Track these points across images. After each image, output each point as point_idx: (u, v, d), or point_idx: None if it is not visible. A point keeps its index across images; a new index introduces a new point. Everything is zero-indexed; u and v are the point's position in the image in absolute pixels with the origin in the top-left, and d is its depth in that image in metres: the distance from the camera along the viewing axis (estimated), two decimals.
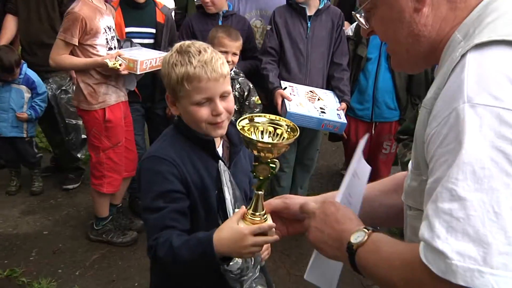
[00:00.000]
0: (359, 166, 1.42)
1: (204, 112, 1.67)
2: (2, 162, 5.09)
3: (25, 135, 4.68)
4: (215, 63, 1.66)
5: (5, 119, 4.57)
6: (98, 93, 3.65)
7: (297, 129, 1.48)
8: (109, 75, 3.66)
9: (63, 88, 4.73)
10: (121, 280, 3.63)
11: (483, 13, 1.08)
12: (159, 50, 3.97)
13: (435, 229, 0.92)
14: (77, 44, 3.51)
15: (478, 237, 0.89)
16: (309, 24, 3.87)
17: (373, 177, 1.60)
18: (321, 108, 3.76)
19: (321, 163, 5.53)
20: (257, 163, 1.48)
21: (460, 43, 1.07)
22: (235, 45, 3.62)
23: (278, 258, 3.86)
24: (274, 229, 1.51)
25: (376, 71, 3.92)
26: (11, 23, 4.61)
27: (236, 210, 1.57)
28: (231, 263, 1.53)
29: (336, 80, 3.96)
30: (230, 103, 1.73)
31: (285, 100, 3.71)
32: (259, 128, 1.48)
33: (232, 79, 3.71)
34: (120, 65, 3.53)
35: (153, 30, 4.09)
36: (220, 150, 1.79)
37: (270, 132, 1.48)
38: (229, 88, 1.73)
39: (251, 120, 1.49)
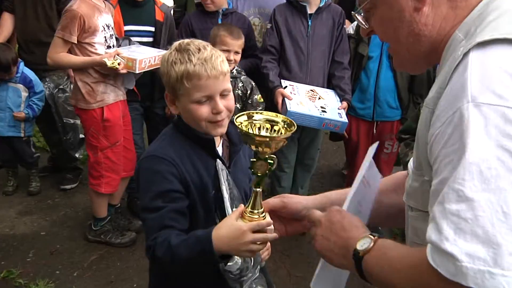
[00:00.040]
0: (369, 173, 1.41)
1: (204, 110, 1.67)
2: None
3: (22, 135, 4.68)
4: (215, 61, 1.67)
5: (2, 118, 4.56)
6: (96, 92, 3.66)
7: (294, 124, 1.50)
8: (107, 74, 3.66)
9: (61, 87, 4.72)
10: (119, 281, 3.64)
11: (484, 12, 1.08)
12: (158, 48, 3.97)
13: (443, 231, 0.92)
14: (75, 42, 3.52)
15: (488, 238, 0.88)
16: (309, 22, 3.87)
17: None
18: (322, 107, 3.76)
19: (322, 163, 5.54)
20: (255, 160, 1.49)
21: (462, 42, 1.07)
22: (237, 43, 3.63)
23: (279, 259, 3.86)
24: (272, 226, 1.52)
25: (377, 69, 3.92)
26: (7, 21, 4.61)
27: (234, 209, 1.58)
28: (230, 264, 1.53)
29: (337, 79, 3.96)
30: (230, 101, 1.73)
31: (286, 99, 3.71)
32: (256, 125, 1.49)
33: (235, 77, 3.72)
34: (118, 64, 3.53)
35: (152, 29, 4.10)
36: (220, 150, 1.79)
37: (267, 128, 1.49)
38: (229, 86, 1.73)
39: (249, 117, 1.50)
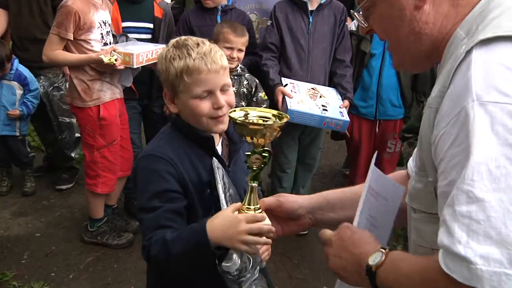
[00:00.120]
0: (378, 185, 1.40)
1: (205, 105, 1.68)
2: None
3: (17, 134, 4.68)
4: (215, 55, 1.68)
5: None
6: (92, 90, 3.66)
7: (286, 116, 1.53)
8: (103, 71, 3.66)
9: (56, 85, 4.73)
10: (116, 284, 3.64)
11: (485, 9, 1.09)
12: None
13: (455, 234, 0.92)
14: (71, 39, 3.52)
15: (501, 239, 0.88)
16: (310, 19, 3.88)
17: None
18: (323, 105, 3.77)
19: (323, 162, 5.54)
20: (250, 153, 1.52)
21: (463, 40, 1.07)
22: (241, 41, 3.63)
23: (279, 261, 3.87)
24: (268, 221, 1.53)
25: (380, 67, 3.93)
26: (1, 17, 4.59)
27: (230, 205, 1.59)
28: (228, 264, 1.54)
29: (339, 77, 3.96)
30: (231, 96, 1.74)
31: (286, 97, 3.72)
32: (250, 120, 1.53)
33: (239, 75, 3.74)
34: (115, 60, 3.53)
35: (151, 25, 4.10)
36: (219, 148, 1.79)
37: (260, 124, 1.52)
38: (229, 80, 1.74)
39: (245, 115, 1.54)
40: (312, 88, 3.87)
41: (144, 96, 4.21)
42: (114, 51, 3.57)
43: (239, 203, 1.56)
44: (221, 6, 4.01)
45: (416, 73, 3.89)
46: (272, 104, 3.80)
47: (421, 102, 3.92)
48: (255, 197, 1.55)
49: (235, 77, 3.74)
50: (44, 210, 4.60)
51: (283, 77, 3.88)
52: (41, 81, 4.68)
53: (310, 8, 3.86)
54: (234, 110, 1.56)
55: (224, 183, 1.62)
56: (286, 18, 3.89)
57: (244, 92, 3.76)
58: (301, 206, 1.61)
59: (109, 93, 3.73)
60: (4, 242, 4.08)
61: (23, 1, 4.53)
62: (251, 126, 1.47)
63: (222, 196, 1.59)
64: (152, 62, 3.68)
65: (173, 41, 1.75)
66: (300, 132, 4.09)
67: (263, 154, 1.52)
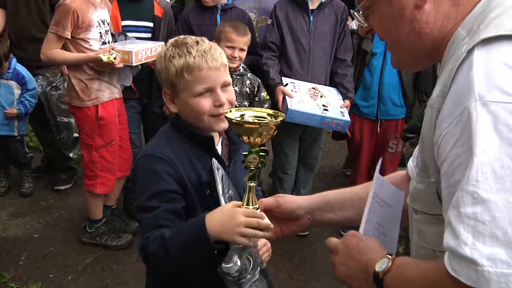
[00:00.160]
0: (382, 192, 1.40)
1: (206, 103, 1.68)
2: None
3: (16, 134, 4.68)
4: (214, 52, 1.69)
5: None
6: (91, 89, 3.66)
7: (282, 114, 1.55)
8: (102, 70, 3.66)
9: (54, 84, 4.74)
10: (115, 285, 3.63)
11: (486, 8, 1.09)
12: None
13: (461, 236, 0.92)
14: (69, 37, 3.52)
15: (508, 239, 0.88)
16: (311, 18, 3.88)
17: None
18: (323, 105, 3.77)
19: (324, 163, 5.54)
20: (247, 153, 1.53)
21: (464, 40, 1.07)
22: (243, 40, 3.63)
23: (279, 262, 3.87)
24: (267, 219, 1.54)
25: (381, 66, 3.93)
26: None
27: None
28: (228, 265, 1.54)
29: (340, 76, 3.97)
30: (231, 94, 1.75)
31: (287, 97, 3.72)
32: (246, 120, 1.54)
33: (242, 75, 3.74)
34: (114, 58, 3.53)
35: (151, 24, 4.10)
36: (219, 148, 1.79)
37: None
38: (230, 78, 1.75)
39: (241, 115, 1.55)
40: (313, 88, 3.87)
41: (144, 95, 4.21)
42: (112, 49, 3.57)
43: (239, 202, 1.57)
44: (221, 5, 4.01)
45: (417, 72, 3.89)
46: (273, 103, 3.80)
47: (423, 101, 3.92)
48: (254, 197, 1.56)
49: (238, 77, 3.74)
50: (42, 211, 4.61)
51: (284, 76, 3.88)
52: (39, 80, 4.68)
53: (310, 7, 3.87)
54: (230, 111, 1.57)
55: (223, 184, 1.63)
56: (287, 17, 3.89)
57: (246, 91, 3.76)
58: (300, 207, 1.62)
59: (107, 93, 3.74)
60: (1, 243, 4.08)
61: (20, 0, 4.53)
62: (246, 125, 1.48)
63: (221, 197, 1.59)
64: (151, 59, 3.68)
65: (171, 40, 1.76)
66: (301, 132, 4.09)
67: (260, 153, 1.53)
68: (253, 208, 1.55)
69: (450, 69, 1.06)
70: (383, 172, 1.55)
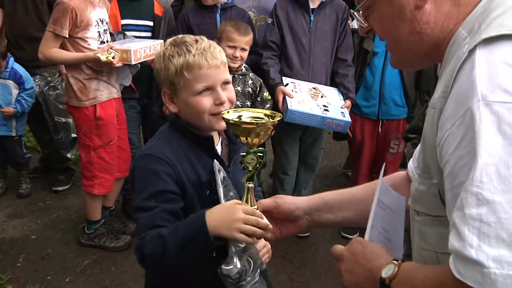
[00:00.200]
0: (386, 197, 1.40)
1: (206, 102, 1.68)
2: None
3: (14, 134, 4.68)
4: (214, 50, 1.70)
5: None
6: (89, 89, 3.66)
7: (279, 115, 1.56)
8: (100, 70, 3.66)
9: (52, 84, 4.73)
10: (114, 287, 3.63)
11: (487, 8, 1.09)
12: None
13: (466, 237, 0.92)
14: (67, 36, 3.52)
15: None
16: (312, 18, 3.88)
17: None
18: (324, 105, 3.77)
19: (325, 163, 5.54)
20: (245, 154, 1.54)
21: (465, 39, 1.08)
22: (244, 40, 3.63)
23: (279, 264, 3.87)
24: (265, 219, 1.55)
25: (383, 65, 3.92)
26: None
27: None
28: (229, 268, 1.54)
29: (341, 76, 3.97)
30: (232, 92, 1.75)
31: (287, 97, 3.72)
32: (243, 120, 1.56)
33: (244, 75, 3.74)
34: (113, 57, 3.53)
35: (151, 23, 4.10)
36: (219, 148, 1.79)
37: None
38: (229, 76, 1.75)
39: (239, 116, 1.56)
40: (314, 88, 3.87)
41: (143, 95, 4.21)
42: (111, 48, 3.57)
43: (240, 201, 1.58)
44: (221, 4, 4.01)
45: (419, 72, 3.89)
46: (274, 103, 3.80)
47: (425, 101, 3.92)
48: (252, 198, 1.57)
49: (240, 77, 3.74)
50: (40, 212, 4.60)
51: (284, 76, 3.88)
52: (37, 80, 4.68)
53: (311, 6, 3.86)
54: (228, 112, 1.58)
55: (225, 186, 1.63)
56: (287, 16, 3.89)
57: (249, 91, 3.76)
58: (299, 208, 1.63)
59: (106, 93, 3.74)
60: None
61: None
62: (243, 126, 1.49)
63: (222, 200, 1.59)
64: (150, 58, 3.68)
65: (170, 39, 1.76)
66: (302, 133, 4.09)
67: (258, 154, 1.54)
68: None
69: (451, 69, 1.06)
70: (384, 173, 1.55)
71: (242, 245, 1.55)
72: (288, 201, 1.64)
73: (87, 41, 3.60)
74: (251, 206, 1.56)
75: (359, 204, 1.60)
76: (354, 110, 4.01)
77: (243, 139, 1.51)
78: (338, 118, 3.74)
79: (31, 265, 3.84)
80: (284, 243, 3.99)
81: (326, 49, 3.95)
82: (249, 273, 1.57)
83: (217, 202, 1.59)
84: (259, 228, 1.50)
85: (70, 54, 3.59)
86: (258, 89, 3.79)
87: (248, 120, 1.54)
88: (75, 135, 4.54)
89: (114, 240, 4.05)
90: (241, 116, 1.57)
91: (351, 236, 4.23)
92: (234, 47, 3.59)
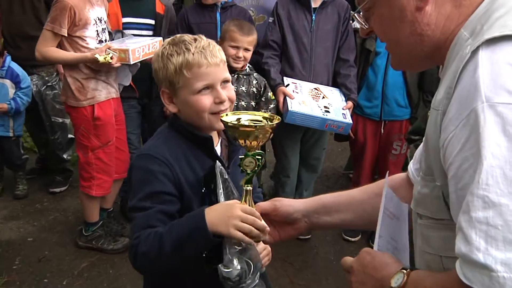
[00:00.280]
0: (391, 205, 1.41)
1: (206, 100, 1.69)
2: None
3: (11, 134, 4.68)
4: (213, 49, 1.71)
5: None
6: (87, 89, 3.66)
7: (277, 117, 1.57)
8: (98, 69, 3.66)
9: (49, 84, 4.74)
10: None
11: (489, 9, 1.09)
12: None
13: (473, 241, 0.92)
14: (66, 35, 3.52)
15: None
16: (313, 17, 3.88)
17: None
18: (325, 107, 3.77)
19: (327, 165, 5.53)
20: (243, 157, 1.55)
21: (468, 41, 1.08)
22: (247, 40, 3.63)
23: (280, 266, 3.87)
24: (264, 222, 1.56)
25: (385, 66, 3.92)
26: None
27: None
28: (229, 270, 1.54)
29: (342, 77, 3.97)
30: (231, 91, 1.76)
31: (287, 98, 3.72)
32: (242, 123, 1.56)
33: (248, 74, 3.75)
34: (111, 58, 3.53)
35: (152, 21, 4.11)
36: (218, 149, 1.80)
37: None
38: (229, 75, 1.76)
39: (237, 119, 1.57)
40: (315, 88, 3.87)
41: (144, 95, 4.20)
42: (108, 48, 3.57)
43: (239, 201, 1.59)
44: (221, 3, 4.01)
45: (422, 72, 3.89)
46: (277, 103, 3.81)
47: (428, 102, 3.91)
48: (251, 201, 1.58)
49: (244, 77, 3.74)
50: (36, 213, 4.61)
51: (285, 76, 3.88)
52: (34, 80, 4.69)
53: (313, 6, 3.86)
54: (226, 114, 1.59)
55: (226, 187, 1.63)
56: (288, 15, 3.89)
57: (253, 91, 3.76)
58: (297, 210, 1.64)
59: (104, 92, 3.74)
60: None
61: None
62: (241, 129, 1.50)
63: (222, 201, 1.60)
64: (149, 56, 3.68)
65: (168, 39, 1.78)
66: (303, 134, 4.10)
67: (257, 157, 1.55)
68: None
69: (454, 70, 1.07)
70: (385, 174, 1.56)
71: (237, 247, 1.56)
72: (286, 204, 1.65)
73: (85, 40, 3.60)
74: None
75: (357, 206, 1.61)
76: (356, 110, 4.01)
77: (241, 142, 1.52)
78: (339, 119, 3.74)
79: (27, 267, 3.84)
80: (285, 245, 3.99)
81: (328, 49, 3.95)
82: (249, 275, 1.57)
83: (215, 203, 1.60)
84: (256, 228, 1.51)
85: (68, 54, 3.59)
86: (262, 89, 3.79)
87: (246, 123, 1.55)
88: (72, 136, 4.56)
89: (112, 242, 4.05)
90: (240, 118, 1.58)
91: (352, 239, 4.24)
92: (237, 47, 3.59)
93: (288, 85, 3.80)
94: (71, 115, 3.84)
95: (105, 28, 3.75)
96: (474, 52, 1.02)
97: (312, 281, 3.79)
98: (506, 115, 0.93)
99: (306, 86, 3.86)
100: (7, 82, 4.53)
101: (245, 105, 3.70)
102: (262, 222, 1.54)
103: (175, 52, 1.69)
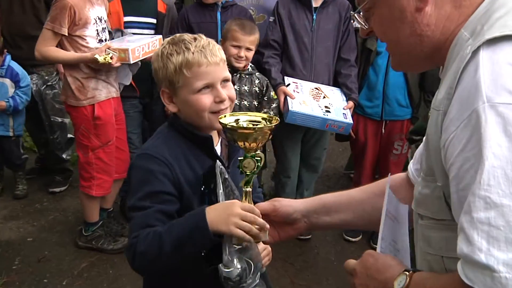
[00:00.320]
0: (393, 207, 1.41)
1: (206, 100, 1.69)
2: None
3: (11, 134, 4.68)
4: (213, 48, 1.71)
5: None
6: (87, 88, 3.67)
7: (276, 118, 1.57)
8: (99, 69, 3.67)
9: (49, 83, 4.74)
10: None
11: (490, 9, 1.09)
12: None
13: (475, 242, 0.92)
14: (66, 34, 3.53)
15: None
16: (314, 16, 3.88)
17: None
18: (326, 106, 3.77)
19: (328, 165, 5.53)
20: (242, 158, 1.56)
21: (468, 41, 1.08)
22: (249, 39, 3.63)
23: (281, 267, 3.87)
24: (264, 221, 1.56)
25: (386, 65, 3.92)
26: None
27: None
28: (229, 270, 1.54)
29: (343, 76, 3.97)
30: (231, 90, 1.76)
31: (288, 98, 3.72)
32: (240, 124, 1.57)
33: (250, 74, 3.75)
34: (111, 58, 3.54)
35: (154, 20, 4.11)
36: (218, 149, 1.80)
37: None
38: (229, 74, 1.76)
39: (236, 120, 1.57)
40: (316, 88, 3.88)
41: (145, 94, 4.20)
42: (108, 48, 3.57)
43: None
44: (222, 2, 4.01)
45: (424, 72, 3.89)
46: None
47: (429, 102, 3.91)
48: (250, 202, 1.58)
49: (247, 76, 3.75)
50: (36, 213, 4.61)
51: (286, 75, 3.88)
52: (34, 79, 4.69)
53: (314, 5, 3.87)
54: (224, 116, 1.59)
55: (226, 187, 1.64)
56: (289, 14, 3.89)
57: (256, 91, 3.77)
58: (296, 210, 1.64)
59: (104, 92, 3.74)
60: None
61: None
62: (240, 131, 1.50)
63: (222, 201, 1.60)
64: (149, 55, 3.69)
65: (167, 39, 1.78)
66: (303, 134, 4.10)
67: (256, 158, 1.55)
68: None
69: (455, 71, 1.07)
70: (386, 174, 1.56)
71: (237, 246, 1.56)
72: (286, 204, 1.65)
73: (85, 39, 3.61)
74: None
75: (357, 206, 1.61)
76: (357, 110, 4.01)
77: (240, 144, 1.53)
78: (339, 119, 3.74)
79: (27, 267, 3.85)
80: (286, 246, 3.99)
81: (329, 49, 3.95)
82: (249, 275, 1.58)
83: (215, 203, 1.60)
84: (257, 225, 1.52)
85: (68, 54, 3.59)
86: (265, 88, 3.79)
87: (245, 125, 1.55)
88: (72, 136, 4.56)
89: (112, 242, 4.06)
90: (238, 119, 1.58)
91: (353, 239, 4.24)
92: (239, 47, 3.60)
93: (289, 84, 3.80)
94: (71, 115, 3.85)
95: (105, 28, 3.75)
96: (475, 52, 1.03)
97: (312, 281, 3.79)
98: (507, 116, 0.93)
99: (306, 86, 3.86)
100: (7, 81, 4.54)
101: (247, 105, 3.70)
102: (262, 221, 1.54)
103: (175, 51, 1.69)
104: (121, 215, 4.49)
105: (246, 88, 3.71)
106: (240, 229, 1.50)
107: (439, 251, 1.16)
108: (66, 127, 4.79)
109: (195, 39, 1.72)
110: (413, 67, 1.35)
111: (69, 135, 4.80)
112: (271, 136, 1.56)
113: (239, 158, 1.57)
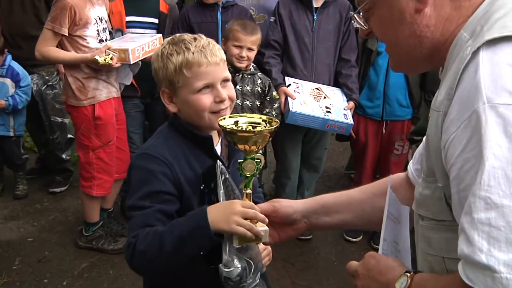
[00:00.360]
0: (394, 208, 1.42)
1: (206, 100, 1.70)
2: None
3: (12, 134, 4.68)
4: (213, 48, 1.71)
5: None
6: (88, 88, 3.67)
7: (276, 121, 1.57)
8: (99, 69, 3.67)
9: (49, 83, 4.75)
10: None
11: (489, 10, 1.09)
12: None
13: (475, 242, 0.92)
14: (66, 34, 3.53)
15: None
16: (315, 17, 3.88)
17: None
18: (326, 107, 3.77)
19: (328, 165, 5.53)
20: (242, 160, 1.56)
21: (468, 42, 1.08)
22: (251, 39, 3.64)
23: (282, 267, 3.87)
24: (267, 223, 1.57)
25: (387, 65, 3.92)
26: None
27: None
28: (229, 270, 1.55)
29: (344, 77, 3.97)
30: (232, 90, 1.77)
31: (289, 98, 3.72)
32: (239, 127, 1.58)
33: (252, 74, 3.75)
34: (111, 58, 3.54)
35: (156, 20, 4.12)
36: (218, 149, 1.80)
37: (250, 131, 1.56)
38: (229, 74, 1.77)
39: (235, 122, 1.58)
40: (317, 88, 3.88)
41: (146, 94, 4.20)
42: (108, 49, 3.57)
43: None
44: (222, 2, 4.02)
45: (424, 72, 3.89)
46: None
47: (430, 102, 3.89)
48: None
49: (249, 76, 3.75)
50: (36, 214, 4.61)
51: (287, 76, 3.89)
52: (34, 79, 4.69)
53: (314, 5, 3.87)
54: (224, 118, 1.59)
55: (226, 187, 1.64)
56: (290, 14, 3.89)
57: (258, 91, 3.77)
58: (296, 211, 1.65)
59: (105, 92, 3.75)
60: None
61: None
62: (240, 134, 1.51)
63: (222, 200, 1.60)
64: (149, 54, 3.69)
65: (168, 39, 1.78)
66: (304, 135, 4.10)
67: (256, 160, 1.56)
68: None
69: (455, 72, 1.07)
70: (386, 174, 1.56)
71: (237, 246, 1.56)
72: (286, 205, 1.66)
73: (85, 40, 3.61)
74: None
75: (357, 207, 1.61)
76: (358, 110, 4.01)
77: (241, 147, 1.53)
78: (340, 120, 3.75)
79: (27, 268, 3.85)
80: (287, 246, 4.00)
81: (329, 49, 3.96)
82: (249, 275, 1.58)
83: (215, 202, 1.61)
84: (258, 220, 1.52)
85: (68, 54, 3.60)
86: (267, 88, 3.80)
87: (244, 126, 1.56)
88: (71, 136, 4.56)
89: (113, 242, 4.06)
90: (238, 121, 1.58)
91: (354, 240, 4.24)
92: (240, 47, 3.60)
93: (289, 85, 3.80)
94: (71, 115, 3.85)
95: (105, 28, 3.76)
96: (475, 53, 1.03)
97: (313, 281, 3.79)
98: (508, 116, 0.94)
99: (307, 86, 3.86)
100: (8, 81, 4.54)
101: (250, 105, 3.71)
102: (263, 215, 1.55)
103: (175, 51, 1.69)
104: (122, 215, 4.49)
105: (248, 88, 3.72)
106: (241, 226, 1.50)
107: (440, 252, 1.16)
108: (66, 127, 4.79)
109: (195, 39, 1.72)
110: (412, 69, 1.35)
111: (69, 135, 4.80)
112: (271, 138, 1.56)
113: (239, 161, 1.57)
